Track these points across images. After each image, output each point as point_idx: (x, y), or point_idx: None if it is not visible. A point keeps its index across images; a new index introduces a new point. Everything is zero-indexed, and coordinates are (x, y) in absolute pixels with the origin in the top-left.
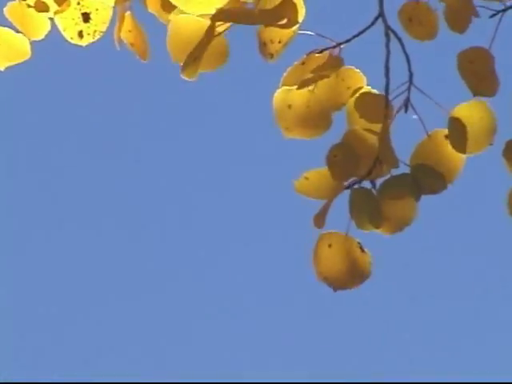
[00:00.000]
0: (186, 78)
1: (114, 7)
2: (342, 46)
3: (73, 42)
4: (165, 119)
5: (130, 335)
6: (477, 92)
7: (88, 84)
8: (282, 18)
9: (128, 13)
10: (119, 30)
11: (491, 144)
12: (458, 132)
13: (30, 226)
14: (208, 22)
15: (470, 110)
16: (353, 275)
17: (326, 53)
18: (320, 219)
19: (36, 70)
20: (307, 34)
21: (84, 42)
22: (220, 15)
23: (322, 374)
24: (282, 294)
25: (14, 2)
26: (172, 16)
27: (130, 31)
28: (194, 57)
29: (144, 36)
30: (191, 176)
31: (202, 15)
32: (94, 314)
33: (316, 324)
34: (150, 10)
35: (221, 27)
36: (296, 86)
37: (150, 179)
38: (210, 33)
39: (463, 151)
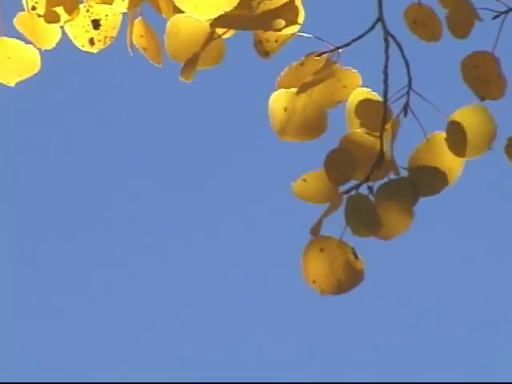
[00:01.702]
0: (184, 80)
1: (123, 13)
2: (340, 50)
3: (84, 49)
4: (161, 120)
5: (131, 336)
6: (484, 96)
7: (100, 90)
8: (281, 23)
9: (139, 18)
10: (131, 35)
11: (491, 149)
12: (456, 136)
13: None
14: (206, 24)
15: (469, 115)
16: (343, 281)
17: (324, 56)
18: (317, 228)
19: (47, 78)
20: (306, 37)
21: (95, 49)
22: (219, 22)
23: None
24: (274, 296)
25: (23, 13)
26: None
27: (141, 36)
28: (192, 60)
29: (157, 40)
30: (186, 177)
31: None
32: (94, 315)
33: (307, 328)
34: (162, 14)
35: (220, 30)
36: (293, 89)
37: (148, 181)
38: (209, 38)
39: (462, 155)
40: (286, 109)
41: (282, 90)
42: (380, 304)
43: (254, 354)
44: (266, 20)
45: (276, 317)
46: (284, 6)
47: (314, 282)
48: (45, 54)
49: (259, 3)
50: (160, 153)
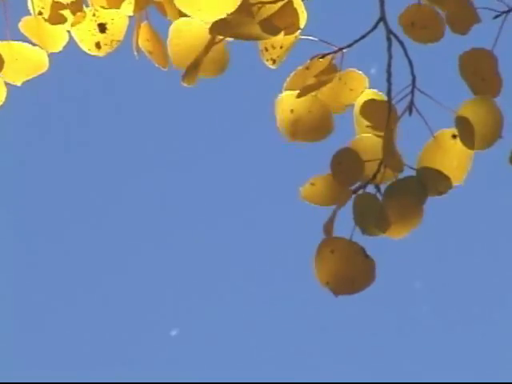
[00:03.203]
0: (186, 85)
1: (130, 16)
2: (344, 51)
3: (90, 53)
4: (166, 125)
5: (130, 335)
6: (479, 93)
7: (106, 93)
8: (282, 29)
9: (145, 22)
10: (137, 38)
11: (501, 137)
12: (465, 128)
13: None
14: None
15: (474, 107)
16: (355, 281)
17: (329, 58)
18: (329, 227)
19: (54, 82)
20: (309, 40)
21: (102, 53)
22: (218, 28)
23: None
24: (285, 300)
25: (28, 17)
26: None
27: (148, 40)
28: (195, 65)
29: (162, 44)
30: (193, 181)
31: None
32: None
33: (318, 328)
34: (168, 17)
35: None
36: (297, 94)
37: (157, 184)
38: (210, 43)
39: (472, 147)
40: (292, 111)
41: (288, 92)
42: (389, 303)
43: (267, 356)
44: (266, 28)
45: (289, 319)
46: (283, 10)
47: (327, 283)
48: (51, 58)
49: (259, 8)
50: (165, 157)
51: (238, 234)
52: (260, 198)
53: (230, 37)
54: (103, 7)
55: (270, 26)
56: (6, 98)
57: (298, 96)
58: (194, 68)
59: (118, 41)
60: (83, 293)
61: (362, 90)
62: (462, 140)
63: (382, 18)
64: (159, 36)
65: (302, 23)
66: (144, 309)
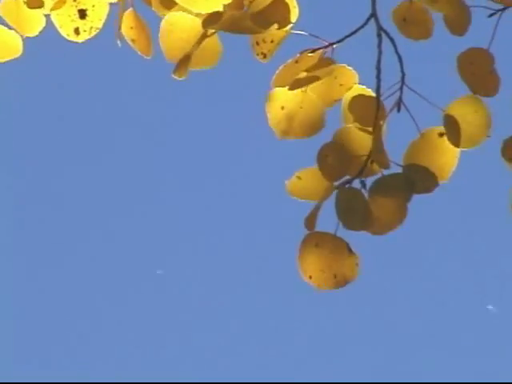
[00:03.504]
0: (177, 78)
1: (112, 4)
2: (334, 46)
3: (69, 38)
4: (157, 117)
5: (129, 336)
6: (476, 91)
7: (84, 80)
8: (274, 22)
9: (130, 9)
10: (120, 26)
11: (489, 136)
12: (452, 126)
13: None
14: (200, 22)
15: (463, 106)
16: (338, 276)
17: (319, 52)
18: (311, 221)
19: (32, 66)
20: (300, 34)
21: (80, 39)
22: (211, 22)
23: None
24: (271, 294)
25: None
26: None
27: (131, 28)
28: (186, 58)
29: (147, 32)
30: (183, 174)
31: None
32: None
33: (302, 323)
34: (152, 7)
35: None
36: (288, 87)
37: (142, 178)
38: (202, 36)
39: (458, 144)
40: (283, 107)
41: (279, 88)
42: (374, 299)
43: (253, 351)
44: (258, 21)
45: (274, 312)
46: (275, 4)
47: (310, 277)
48: (29, 42)
49: (251, 2)
50: (153, 152)
51: (227, 229)
52: (248, 193)
53: (222, 30)
54: None
55: (262, 20)
56: None
57: (290, 89)
58: (185, 61)
59: (97, 28)
60: (83, 292)
61: (352, 85)
62: (448, 138)
63: (373, 15)
64: (144, 24)
65: (294, 18)
66: (143, 309)
